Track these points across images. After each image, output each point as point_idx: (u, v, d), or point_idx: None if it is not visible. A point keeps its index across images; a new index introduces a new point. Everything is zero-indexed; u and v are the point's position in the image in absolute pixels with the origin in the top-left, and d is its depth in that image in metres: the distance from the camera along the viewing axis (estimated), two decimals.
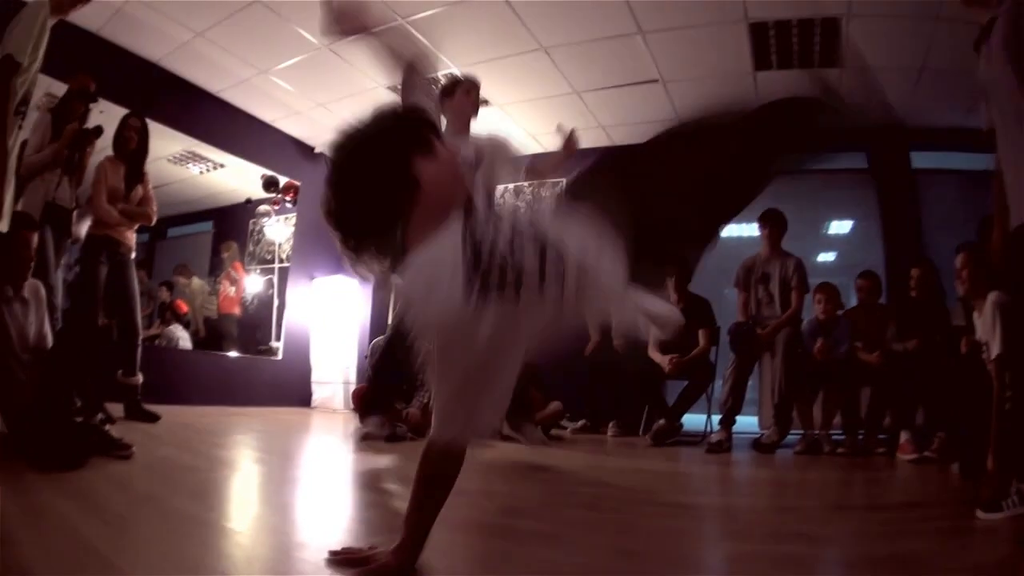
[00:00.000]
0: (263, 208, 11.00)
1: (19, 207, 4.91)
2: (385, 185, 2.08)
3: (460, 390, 2.00)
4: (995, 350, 4.72)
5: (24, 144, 5.02)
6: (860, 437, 7.18)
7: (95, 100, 5.96)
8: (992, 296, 4.85)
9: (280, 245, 11.20)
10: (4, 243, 4.37)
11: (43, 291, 4.76)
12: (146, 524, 2.63)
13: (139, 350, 6.50)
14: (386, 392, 5.43)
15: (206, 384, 9.42)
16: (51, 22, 4.47)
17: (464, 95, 5.53)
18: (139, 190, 6.42)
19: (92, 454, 3.83)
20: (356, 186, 2.10)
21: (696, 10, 7.49)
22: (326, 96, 9.75)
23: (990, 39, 3.36)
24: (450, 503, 2.73)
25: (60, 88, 5.91)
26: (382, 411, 5.26)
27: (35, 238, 4.75)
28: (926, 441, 6.49)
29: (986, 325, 4.92)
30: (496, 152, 5.25)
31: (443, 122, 5.56)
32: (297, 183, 11.13)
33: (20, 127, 4.52)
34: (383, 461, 4.94)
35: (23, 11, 4.37)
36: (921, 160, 9.90)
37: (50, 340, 4.72)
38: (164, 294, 9.85)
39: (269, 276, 11.17)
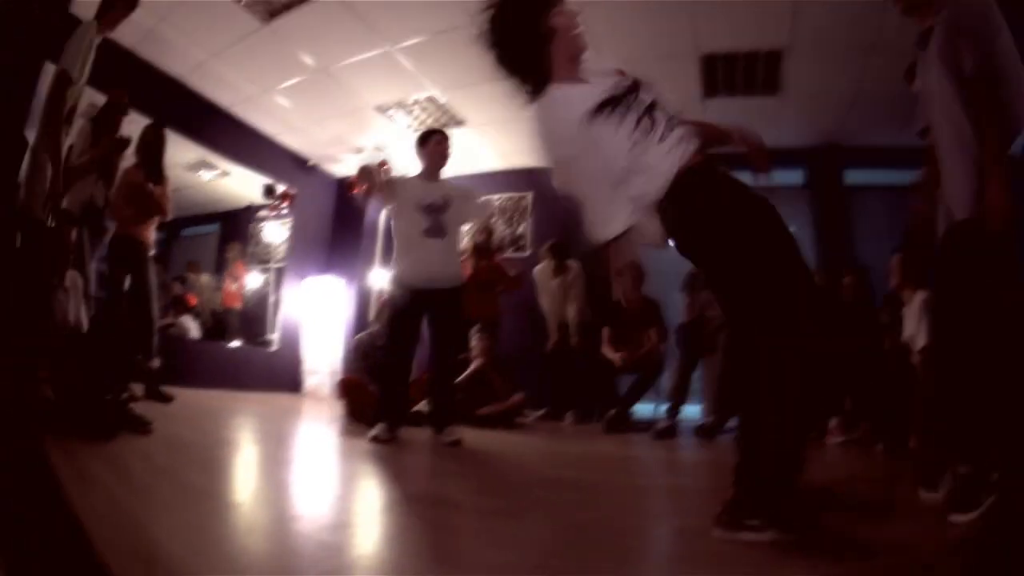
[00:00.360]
0: (262, 213, 11.10)
1: (64, 206, 5.03)
2: (533, 22, 2.75)
3: (592, 195, 2.55)
4: (920, 342, 4.87)
5: (70, 149, 5.13)
6: None
7: (127, 113, 6.07)
8: (920, 295, 5.00)
9: (276, 247, 11.32)
10: (51, 237, 4.50)
11: (80, 281, 4.87)
12: (166, 493, 2.78)
13: (155, 337, 6.61)
14: (393, 400, 5.54)
15: (211, 370, 9.50)
16: (98, 40, 4.61)
17: (436, 144, 5.69)
18: (157, 190, 6.51)
19: (121, 428, 3.99)
20: (512, 24, 2.78)
21: (651, 42, 7.66)
22: (321, 113, 9.87)
23: (928, 48, 3.33)
24: (425, 483, 2.87)
25: (100, 98, 6.00)
26: (391, 419, 5.37)
27: (75, 233, 4.89)
28: (853, 425, 6.67)
29: (913, 319, 5.07)
30: (467, 193, 5.47)
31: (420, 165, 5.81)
32: (293, 191, 11.25)
33: (68, 133, 4.66)
34: (366, 445, 4.96)
35: (77, 30, 4.50)
36: (853, 177, 10.08)
37: (85, 325, 4.84)
38: (178, 288, 9.95)
39: (267, 275, 11.27)
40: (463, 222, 5.89)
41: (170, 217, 6.71)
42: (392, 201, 5.71)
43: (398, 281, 5.59)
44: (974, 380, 3.13)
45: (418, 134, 5.96)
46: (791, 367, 2.47)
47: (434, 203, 5.55)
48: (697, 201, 2.59)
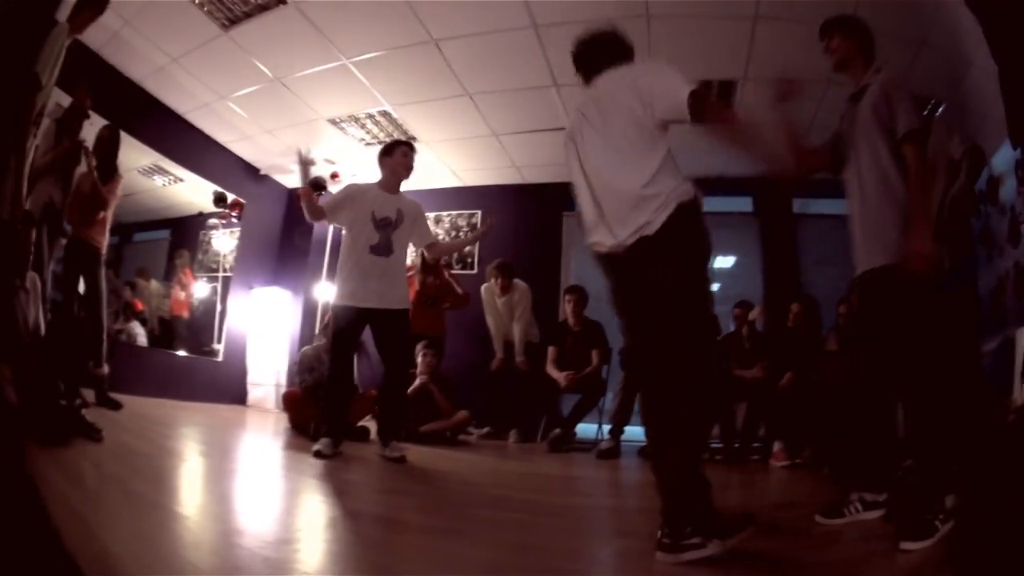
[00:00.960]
0: (212, 221, 11.00)
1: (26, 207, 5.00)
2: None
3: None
4: None
5: (36, 149, 5.12)
6: (736, 445, 7.45)
7: (88, 116, 6.06)
8: None
9: (225, 256, 11.22)
10: (13, 237, 4.46)
11: (39, 283, 4.83)
12: (115, 502, 2.81)
13: (105, 344, 6.59)
14: (336, 415, 5.53)
15: (157, 378, 9.36)
16: (68, 42, 4.59)
17: (401, 156, 5.68)
18: (104, 188, 6.48)
19: (75, 434, 4.01)
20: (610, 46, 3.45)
21: None
22: (273, 124, 9.86)
23: (860, 104, 3.62)
24: (368, 500, 2.89)
25: (65, 99, 5.98)
26: (333, 434, 5.37)
27: (34, 235, 4.87)
28: (798, 449, 6.78)
29: None
30: (420, 214, 5.50)
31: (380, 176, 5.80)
32: (243, 201, 11.17)
33: (35, 135, 4.63)
34: (309, 459, 4.96)
35: (51, 33, 4.48)
36: (802, 206, 10.21)
37: (43, 328, 4.81)
38: (127, 293, 9.84)
39: (214, 284, 11.16)
40: (409, 243, 5.87)
41: (111, 209, 6.66)
42: (333, 220, 5.79)
43: (341, 298, 5.58)
44: (886, 410, 3.31)
45: (384, 144, 5.96)
46: (687, 394, 2.72)
47: (387, 218, 5.57)
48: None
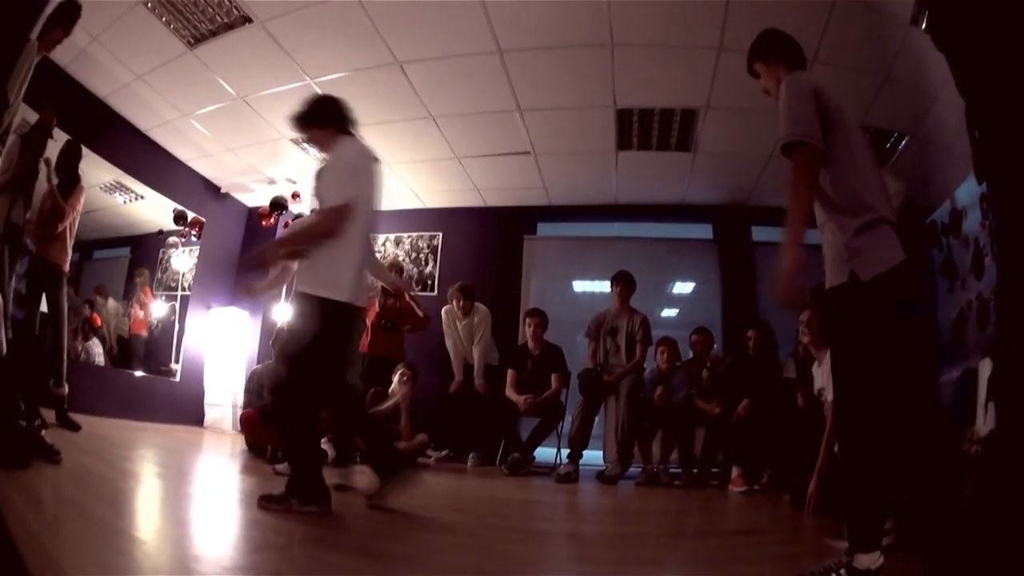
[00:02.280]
0: (172, 240, 10.92)
1: None
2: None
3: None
4: (829, 396, 5.02)
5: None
6: (695, 471, 7.50)
7: (52, 136, 6.01)
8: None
9: (183, 275, 11.15)
10: None
11: (1, 301, 4.78)
12: (74, 526, 2.79)
13: (65, 364, 6.53)
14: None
15: (115, 398, 9.27)
16: (37, 59, 4.56)
17: None
18: (65, 203, 6.44)
19: (34, 456, 3.97)
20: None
21: (570, 93, 7.82)
22: (235, 142, 9.85)
23: None
24: (324, 525, 2.91)
25: (33, 115, 5.94)
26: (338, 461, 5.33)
27: None
28: (756, 475, 6.87)
29: (826, 374, 5.18)
30: None
31: None
32: (202, 219, 11.10)
33: (1, 153, 4.61)
34: (265, 483, 4.82)
35: (23, 50, 4.44)
36: (761, 234, 10.37)
37: (5, 347, 4.75)
38: (86, 311, 9.75)
39: (172, 303, 11.08)
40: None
41: (68, 220, 6.58)
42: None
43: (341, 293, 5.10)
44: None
45: None
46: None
47: None
48: None
